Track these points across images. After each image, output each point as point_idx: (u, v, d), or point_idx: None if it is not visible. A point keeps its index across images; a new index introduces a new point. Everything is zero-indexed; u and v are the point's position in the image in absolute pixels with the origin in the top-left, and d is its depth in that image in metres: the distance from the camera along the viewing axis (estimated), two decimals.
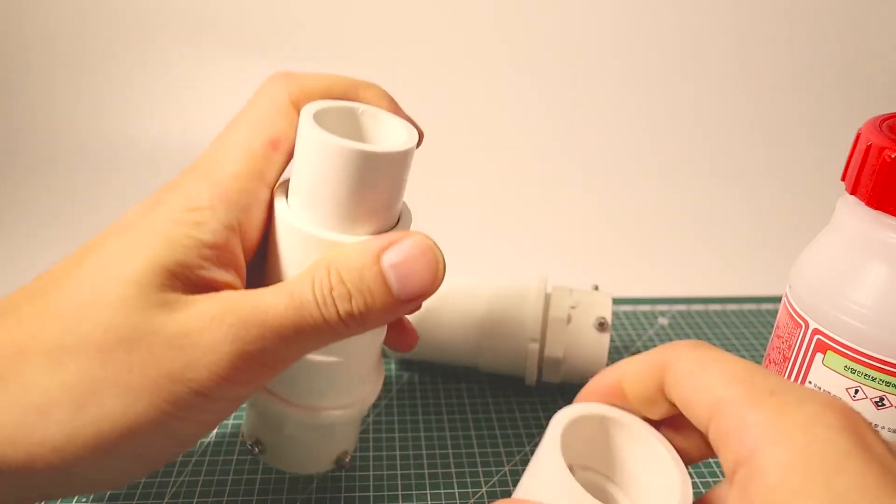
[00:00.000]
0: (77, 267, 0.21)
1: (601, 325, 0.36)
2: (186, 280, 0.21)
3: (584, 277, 0.59)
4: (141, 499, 0.31)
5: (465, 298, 0.38)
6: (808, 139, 0.84)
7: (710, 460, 0.35)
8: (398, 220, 0.25)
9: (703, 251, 0.65)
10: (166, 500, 0.31)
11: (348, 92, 0.25)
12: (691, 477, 0.34)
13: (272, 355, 0.21)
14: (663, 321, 0.48)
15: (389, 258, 0.21)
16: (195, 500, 0.31)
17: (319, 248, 0.22)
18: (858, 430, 0.17)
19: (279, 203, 0.23)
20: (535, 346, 0.36)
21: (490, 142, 0.81)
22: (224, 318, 0.20)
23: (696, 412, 0.20)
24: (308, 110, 0.23)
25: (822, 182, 0.78)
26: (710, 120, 0.85)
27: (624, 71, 0.86)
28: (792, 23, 0.86)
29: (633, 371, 0.22)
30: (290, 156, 0.24)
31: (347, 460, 0.29)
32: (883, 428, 0.25)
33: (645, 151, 0.82)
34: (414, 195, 0.27)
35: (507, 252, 0.62)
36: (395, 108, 0.25)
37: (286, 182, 0.24)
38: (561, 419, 0.24)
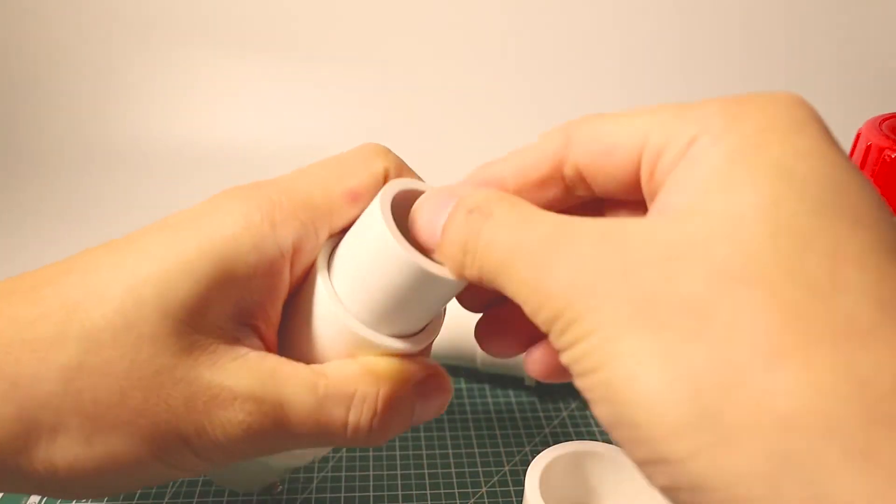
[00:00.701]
0: (111, 267, 0.20)
1: None
2: (232, 317, 0.20)
3: None
4: (141, 499, 0.31)
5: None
6: None
7: None
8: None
9: None
10: (166, 500, 0.31)
11: None
12: None
13: (276, 446, 0.21)
14: None
15: (420, 394, 0.22)
16: (195, 500, 0.31)
17: (355, 341, 0.22)
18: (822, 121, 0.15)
19: (322, 275, 0.22)
20: None
21: (494, 142, 0.81)
22: (245, 403, 0.20)
23: (619, 160, 0.18)
24: (388, 192, 0.21)
25: None
26: None
27: (623, 71, 0.86)
28: (792, 23, 0.86)
29: (527, 160, 0.21)
30: (359, 211, 0.22)
31: (277, 489, 0.31)
32: None
33: None
34: None
35: None
36: None
37: (330, 248, 0.23)
38: (536, 467, 0.26)
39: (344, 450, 0.35)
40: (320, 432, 0.21)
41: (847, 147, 0.29)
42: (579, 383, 0.15)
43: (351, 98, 0.83)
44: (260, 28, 0.83)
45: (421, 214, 0.20)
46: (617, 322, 0.14)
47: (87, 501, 0.31)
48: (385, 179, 0.22)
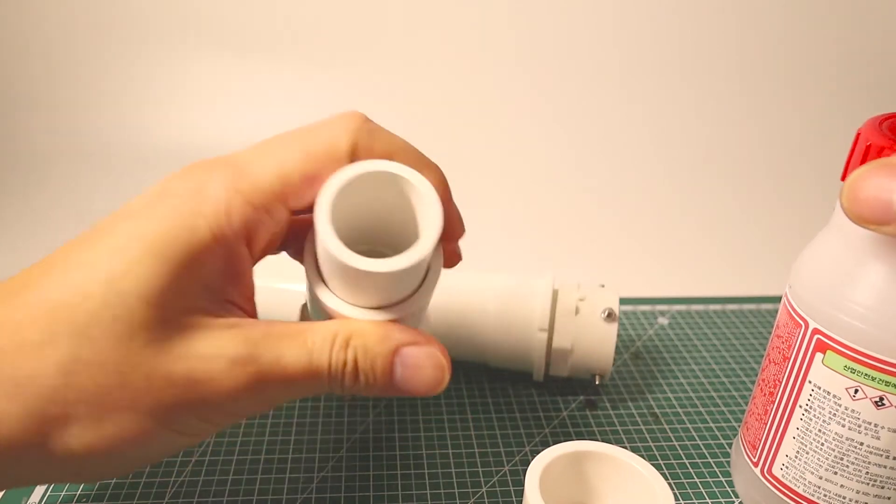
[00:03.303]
0: (86, 265, 0.20)
1: (609, 316, 0.36)
2: (207, 295, 0.21)
3: (584, 277, 0.59)
4: (141, 498, 0.31)
5: (474, 294, 0.38)
6: (808, 139, 0.84)
7: (693, 472, 0.35)
8: (423, 280, 0.24)
9: (703, 251, 0.65)
10: (166, 500, 0.31)
11: (411, 164, 0.23)
12: (672, 489, 0.34)
13: (276, 400, 0.23)
14: (663, 321, 0.48)
15: (403, 357, 0.23)
16: (195, 500, 0.31)
17: (334, 312, 0.23)
18: None
19: (307, 260, 0.24)
20: (543, 336, 0.36)
21: (497, 142, 0.82)
22: (246, 366, 0.21)
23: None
24: (332, 186, 0.21)
25: (822, 182, 0.78)
26: (711, 120, 0.85)
27: (625, 72, 0.86)
28: (792, 23, 0.86)
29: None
30: None
31: None
32: (883, 427, 0.25)
33: (645, 152, 0.82)
34: None
35: (510, 252, 0.62)
36: (446, 197, 0.24)
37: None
38: (536, 467, 0.27)
39: (344, 449, 0.35)
40: (312, 381, 0.22)
41: (847, 147, 0.29)
42: None
43: (349, 98, 0.83)
44: (258, 29, 0.83)
45: (864, 188, 0.20)
46: None
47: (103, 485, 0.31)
48: (352, 156, 0.22)
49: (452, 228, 0.26)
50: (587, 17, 0.85)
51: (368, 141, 0.23)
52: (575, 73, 0.85)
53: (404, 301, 0.24)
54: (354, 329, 0.22)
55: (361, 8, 0.83)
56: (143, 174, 0.75)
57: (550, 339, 0.37)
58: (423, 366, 0.23)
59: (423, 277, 0.24)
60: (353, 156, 0.22)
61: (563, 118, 0.84)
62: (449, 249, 0.27)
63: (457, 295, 0.38)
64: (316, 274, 0.24)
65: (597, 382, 0.38)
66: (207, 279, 0.21)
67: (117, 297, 0.20)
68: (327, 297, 0.23)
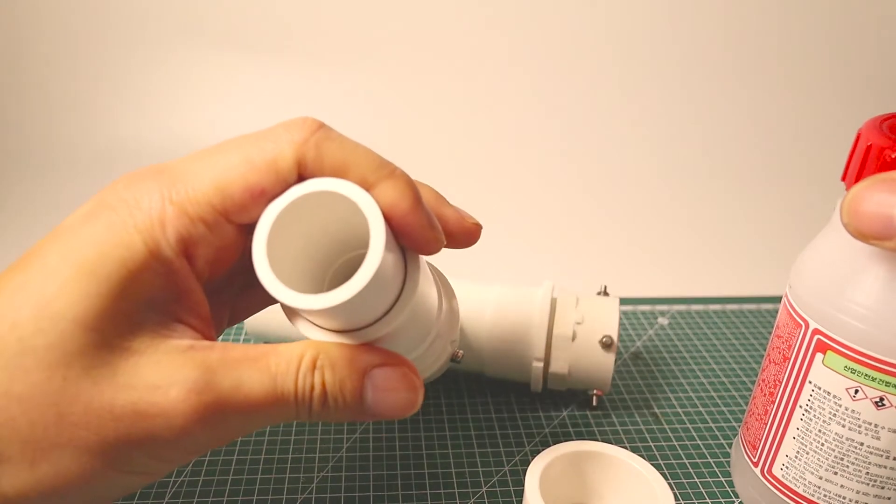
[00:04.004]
0: (15, 290, 0.19)
1: (606, 345, 0.36)
2: (151, 315, 0.19)
3: (585, 278, 0.59)
4: (141, 498, 0.31)
5: (470, 308, 0.37)
6: (808, 139, 0.84)
7: (693, 472, 0.35)
8: (397, 296, 0.22)
9: (702, 251, 0.65)
10: (166, 500, 0.31)
11: (368, 177, 0.20)
12: (672, 489, 0.34)
13: (237, 432, 0.21)
14: (663, 321, 0.48)
15: (374, 379, 0.21)
16: (195, 500, 0.31)
17: (300, 333, 0.22)
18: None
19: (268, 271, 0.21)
20: (540, 365, 0.36)
21: (495, 144, 0.81)
22: (201, 394, 0.19)
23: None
24: (274, 208, 0.20)
25: (822, 182, 0.78)
26: (711, 121, 0.85)
27: (624, 74, 0.86)
28: (792, 23, 0.86)
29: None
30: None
31: (459, 357, 0.32)
32: (883, 428, 0.25)
33: (645, 153, 0.82)
34: None
35: (509, 253, 0.62)
36: (412, 206, 0.21)
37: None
38: (536, 467, 0.27)
39: (344, 449, 0.35)
40: (277, 408, 0.20)
41: (847, 147, 0.29)
42: None
43: (354, 98, 0.83)
44: (257, 30, 0.83)
45: (865, 203, 0.20)
46: None
47: None
48: (298, 170, 0.20)
49: (424, 239, 0.22)
50: (586, 17, 0.85)
51: (316, 153, 0.20)
52: (574, 73, 0.85)
53: (376, 322, 0.22)
54: (321, 350, 0.21)
55: (363, 8, 0.83)
56: None
57: (547, 363, 0.37)
58: (395, 388, 0.22)
59: (398, 293, 0.22)
60: (300, 169, 0.20)
61: (563, 117, 0.84)
62: (451, 229, 0.24)
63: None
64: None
65: (594, 403, 0.37)
66: (149, 297, 0.19)
67: (50, 323, 0.18)
68: (297, 321, 0.22)
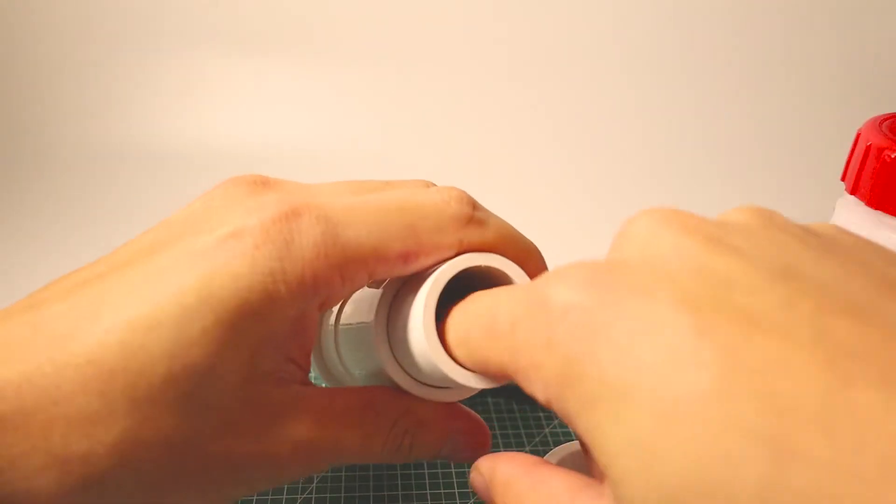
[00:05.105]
0: (147, 325, 0.17)
1: None
2: (271, 360, 0.20)
3: None
4: None
5: None
6: (808, 139, 0.84)
7: None
8: None
9: None
10: None
11: (519, 253, 0.22)
12: None
13: (323, 467, 0.22)
14: None
15: (454, 437, 0.23)
16: None
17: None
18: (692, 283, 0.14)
19: (378, 333, 0.23)
20: None
21: (494, 143, 0.82)
22: (307, 450, 0.20)
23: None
24: (440, 281, 0.20)
25: (822, 182, 0.78)
26: (710, 120, 0.85)
27: (622, 70, 0.86)
28: (791, 23, 0.86)
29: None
30: (415, 271, 0.21)
31: None
32: None
33: (645, 152, 0.82)
34: None
35: None
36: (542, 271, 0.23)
37: (389, 299, 0.23)
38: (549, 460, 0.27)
39: None
40: (363, 455, 0.22)
41: (847, 147, 0.29)
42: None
43: (357, 99, 0.83)
44: (264, 29, 0.83)
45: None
46: None
47: None
48: (459, 247, 0.21)
49: None
50: (585, 17, 0.85)
51: (480, 233, 0.21)
52: (571, 73, 0.85)
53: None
54: (415, 414, 0.22)
55: (374, 8, 0.83)
56: (154, 175, 0.75)
57: None
58: (470, 445, 0.24)
59: None
60: (461, 246, 0.21)
61: (563, 116, 0.84)
62: None
63: None
64: (385, 339, 0.23)
65: None
66: (275, 342, 0.19)
67: (183, 372, 0.17)
68: (394, 371, 0.23)
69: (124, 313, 0.17)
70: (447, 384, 0.23)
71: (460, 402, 0.25)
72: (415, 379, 0.23)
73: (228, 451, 0.19)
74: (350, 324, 0.26)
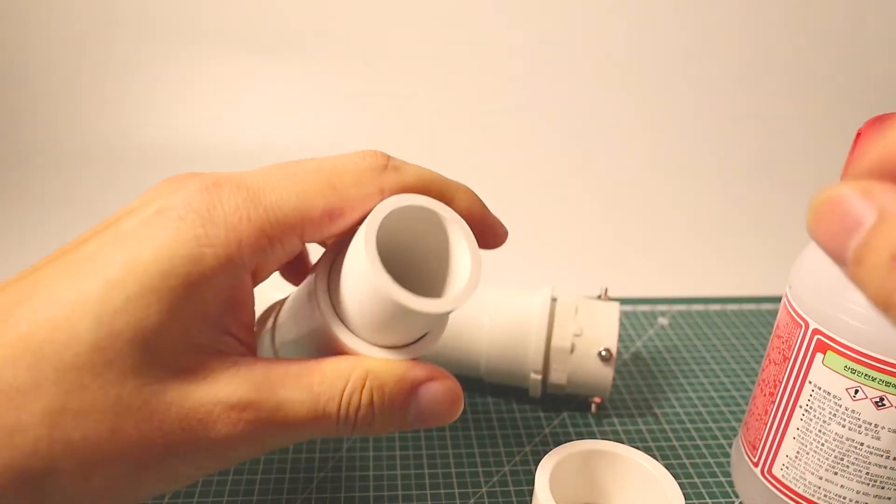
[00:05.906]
0: (74, 300, 0.18)
1: (605, 358, 0.35)
2: (205, 330, 0.20)
3: (585, 278, 0.59)
4: None
5: (469, 315, 0.37)
6: (808, 139, 0.84)
7: (693, 472, 0.35)
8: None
9: (703, 251, 0.65)
10: (166, 500, 0.31)
11: (444, 192, 0.23)
12: (682, 488, 0.34)
13: (276, 445, 0.21)
14: (663, 321, 0.48)
15: (420, 396, 0.22)
16: (195, 500, 0.31)
17: (351, 350, 0.22)
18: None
19: (322, 296, 0.22)
20: (538, 377, 0.36)
21: (493, 144, 0.81)
22: (244, 411, 0.19)
23: None
24: (377, 217, 0.21)
25: (823, 182, 0.78)
26: (710, 120, 0.85)
27: (624, 73, 0.86)
28: (792, 23, 0.86)
29: None
30: (344, 229, 0.22)
31: None
32: (883, 428, 0.25)
33: (645, 152, 0.82)
34: None
35: (509, 252, 0.62)
36: (482, 214, 0.24)
37: (330, 262, 0.23)
38: (546, 465, 0.27)
39: (344, 449, 0.35)
40: (317, 425, 0.21)
41: (847, 147, 0.29)
42: None
43: (351, 98, 0.83)
44: (259, 29, 0.83)
45: (823, 224, 0.15)
46: None
47: None
48: (381, 194, 0.21)
49: (494, 236, 0.25)
50: (585, 20, 0.85)
51: (398, 177, 0.22)
52: (573, 76, 0.85)
53: (422, 339, 0.23)
54: (369, 369, 0.21)
55: (371, 9, 0.83)
56: (148, 174, 0.75)
57: (546, 374, 0.37)
58: (440, 401, 0.22)
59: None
60: (382, 193, 0.21)
61: (563, 116, 0.84)
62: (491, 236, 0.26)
63: (453, 319, 0.37)
64: (330, 307, 0.22)
65: (593, 411, 0.37)
66: (207, 312, 0.19)
67: (109, 340, 0.18)
68: (345, 336, 0.22)
69: (53, 293, 0.18)
70: (401, 339, 0.22)
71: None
72: (367, 342, 0.22)
73: (158, 418, 0.19)
74: (287, 327, 0.25)
